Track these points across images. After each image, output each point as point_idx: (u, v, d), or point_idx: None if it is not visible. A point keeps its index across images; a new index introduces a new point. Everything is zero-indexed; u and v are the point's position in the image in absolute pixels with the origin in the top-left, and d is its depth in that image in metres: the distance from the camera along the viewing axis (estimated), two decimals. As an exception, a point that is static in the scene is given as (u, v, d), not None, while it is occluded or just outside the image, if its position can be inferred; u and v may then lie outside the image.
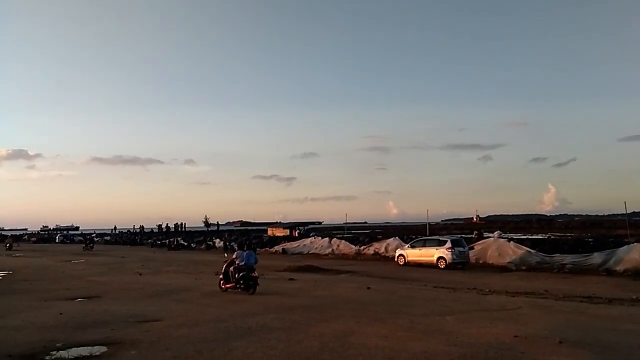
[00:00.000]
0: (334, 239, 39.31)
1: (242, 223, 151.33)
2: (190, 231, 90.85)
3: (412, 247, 27.39)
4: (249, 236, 52.10)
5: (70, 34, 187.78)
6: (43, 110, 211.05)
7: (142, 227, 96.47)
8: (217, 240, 52.89)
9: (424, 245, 26.87)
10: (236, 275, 14.86)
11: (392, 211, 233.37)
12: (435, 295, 14.52)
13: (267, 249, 43.22)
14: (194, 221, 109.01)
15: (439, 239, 27.86)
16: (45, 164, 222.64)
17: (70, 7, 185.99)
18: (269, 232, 72.84)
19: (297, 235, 61.57)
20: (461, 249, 25.51)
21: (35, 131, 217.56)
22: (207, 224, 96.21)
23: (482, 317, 10.57)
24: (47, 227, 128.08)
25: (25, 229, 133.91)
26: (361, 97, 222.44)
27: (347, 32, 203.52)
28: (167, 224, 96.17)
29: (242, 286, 14.77)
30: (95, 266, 27.47)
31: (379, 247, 33.85)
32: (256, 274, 14.89)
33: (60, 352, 7.80)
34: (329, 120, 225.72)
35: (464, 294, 15.07)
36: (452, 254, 24.74)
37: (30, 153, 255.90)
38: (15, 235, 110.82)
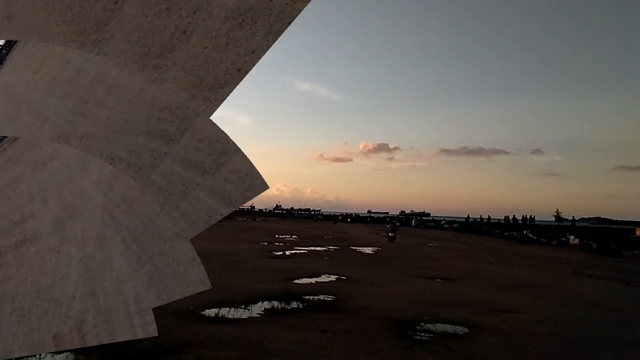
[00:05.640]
0: None
1: (600, 220, 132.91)
2: (538, 225, 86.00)
3: None
4: (612, 234, 45.28)
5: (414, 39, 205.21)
6: (400, 108, 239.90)
7: (488, 218, 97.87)
8: (572, 237, 48.14)
9: None
10: (389, 234, 34.83)
11: None
12: None
13: (636, 252, 36.48)
14: (542, 214, 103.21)
15: None
16: (402, 156, 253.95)
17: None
18: (638, 233, 61.53)
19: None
20: None
21: (394, 127, 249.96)
22: (558, 218, 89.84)
23: None
24: (404, 212, 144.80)
25: (387, 213, 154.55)
26: None
27: None
28: (514, 215, 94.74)
29: (388, 238, 34.47)
30: (447, 251, 29.38)
31: None
32: (394, 234, 34.95)
33: (427, 324, 8.72)
34: None
35: None
36: None
37: (390, 146, 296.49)
38: (379, 217, 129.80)
